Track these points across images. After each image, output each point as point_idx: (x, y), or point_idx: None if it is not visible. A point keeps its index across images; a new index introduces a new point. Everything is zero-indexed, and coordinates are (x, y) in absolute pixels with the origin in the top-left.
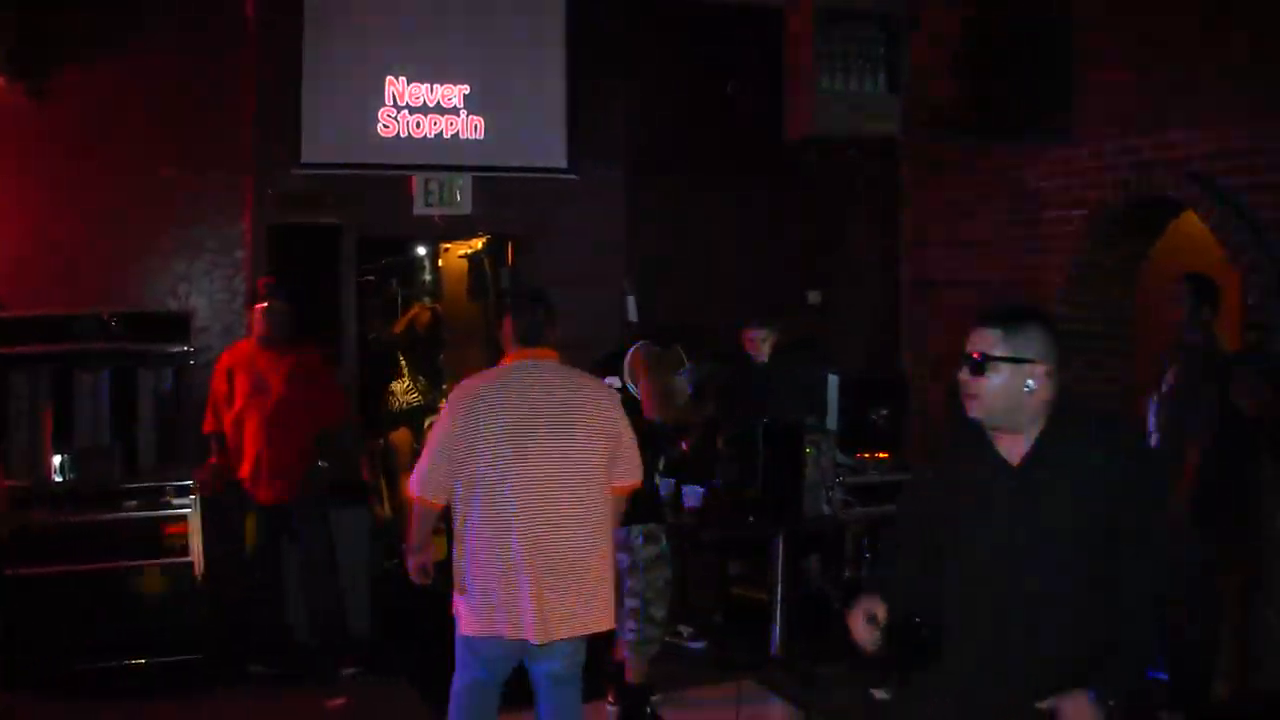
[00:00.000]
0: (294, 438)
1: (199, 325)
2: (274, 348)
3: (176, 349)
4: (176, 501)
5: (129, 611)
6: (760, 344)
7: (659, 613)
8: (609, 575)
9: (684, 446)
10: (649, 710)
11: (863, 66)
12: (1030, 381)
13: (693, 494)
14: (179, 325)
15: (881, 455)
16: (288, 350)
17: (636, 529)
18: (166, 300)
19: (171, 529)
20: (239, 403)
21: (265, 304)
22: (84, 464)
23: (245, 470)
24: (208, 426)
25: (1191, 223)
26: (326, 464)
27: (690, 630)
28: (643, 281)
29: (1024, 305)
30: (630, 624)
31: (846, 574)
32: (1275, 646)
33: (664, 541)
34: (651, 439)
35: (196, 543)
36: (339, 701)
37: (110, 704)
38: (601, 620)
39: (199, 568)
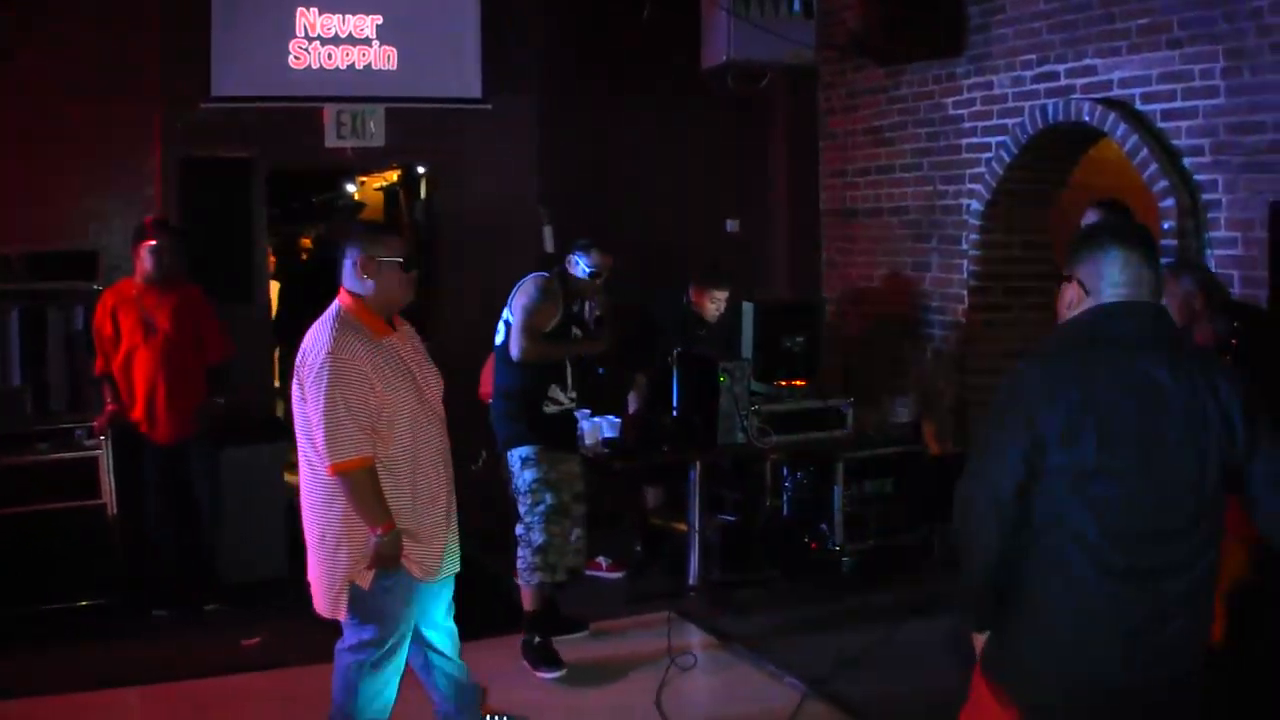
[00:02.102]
0: (184, 376)
1: (110, 263)
2: (158, 286)
3: (85, 287)
4: (88, 443)
5: (40, 555)
6: (719, 304)
7: (538, 538)
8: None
9: (599, 373)
10: (535, 640)
11: None
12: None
13: (609, 424)
14: (87, 263)
15: (798, 383)
16: (172, 288)
17: (513, 454)
18: (77, 239)
19: (82, 471)
20: (125, 343)
21: (149, 242)
22: None
23: (138, 411)
24: (99, 369)
25: (1109, 148)
26: (223, 400)
27: (609, 561)
28: (560, 210)
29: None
30: (518, 551)
31: (767, 502)
32: None
33: (543, 467)
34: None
35: (108, 485)
36: (254, 641)
37: (22, 649)
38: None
39: (111, 509)
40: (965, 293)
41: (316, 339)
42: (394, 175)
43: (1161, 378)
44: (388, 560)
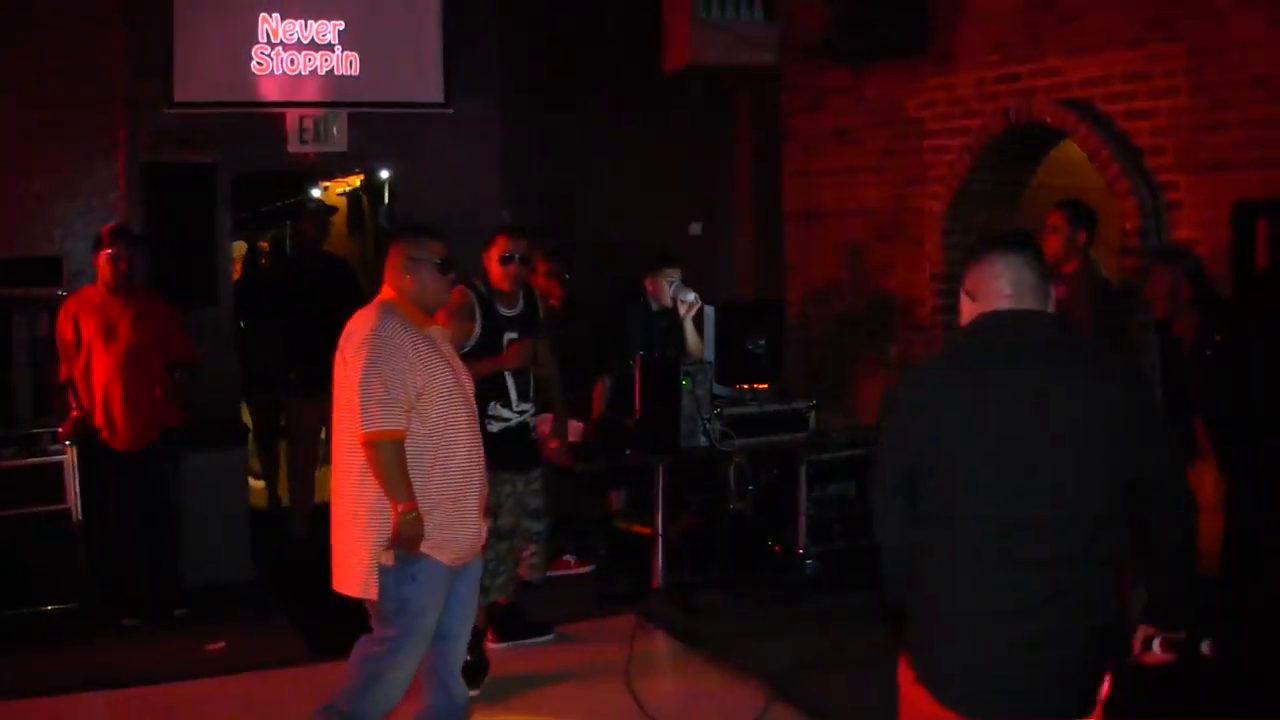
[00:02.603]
0: (144, 383)
1: (73, 269)
2: (119, 295)
3: (49, 293)
4: (52, 448)
5: (4, 561)
6: (674, 283)
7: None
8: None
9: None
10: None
11: None
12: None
13: (572, 429)
14: (51, 269)
15: (760, 386)
16: (132, 297)
17: None
18: (43, 244)
19: (47, 476)
20: (85, 350)
21: (107, 251)
22: None
23: (99, 418)
24: (62, 375)
25: (1071, 149)
26: (187, 405)
27: (575, 559)
28: (521, 215)
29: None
30: None
31: (731, 505)
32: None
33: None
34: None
35: (73, 490)
36: (219, 645)
37: None
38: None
39: (76, 515)
40: (928, 294)
41: (364, 319)
42: (357, 180)
43: (1042, 380)
44: (409, 540)
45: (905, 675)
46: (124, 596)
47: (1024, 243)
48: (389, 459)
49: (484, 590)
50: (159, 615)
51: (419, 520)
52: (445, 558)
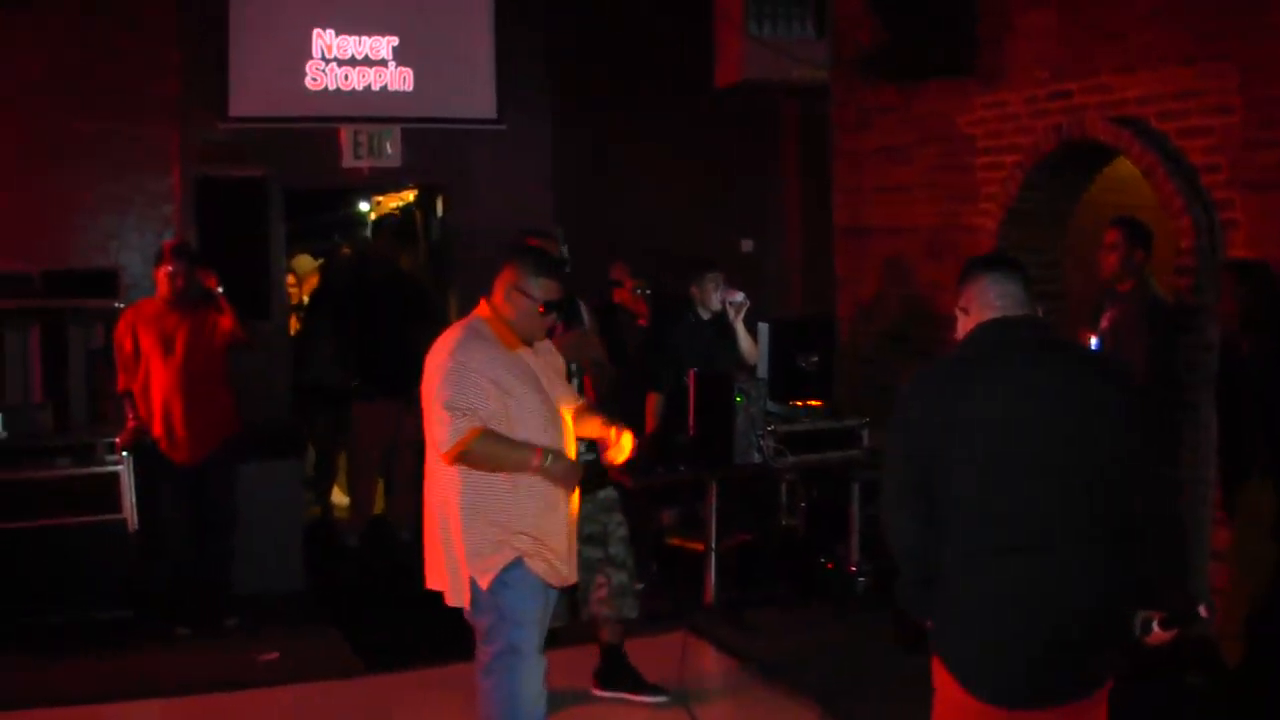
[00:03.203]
0: (202, 396)
1: (129, 281)
2: (178, 308)
3: (105, 305)
4: (108, 458)
5: (60, 569)
6: (718, 285)
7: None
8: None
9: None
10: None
11: (791, 11)
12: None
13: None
14: (107, 281)
15: (814, 403)
16: (191, 310)
17: None
18: (97, 257)
19: (103, 486)
20: (144, 363)
21: (167, 267)
22: (14, 422)
23: (158, 429)
24: (120, 386)
25: (1122, 166)
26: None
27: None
28: (574, 229)
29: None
30: None
31: (783, 522)
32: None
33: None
34: None
35: (128, 499)
36: (272, 656)
37: (43, 662)
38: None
39: (132, 524)
40: None
41: (447, 339)
42: (410, 194)
43: (1037, 378)
44: (565, 478)
45: (938, 668)
46: (177, 605)
47: (1008, 261)
48: (484, 454)
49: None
50: (211, 624)
51: (559, 457)
52: (539, 568)
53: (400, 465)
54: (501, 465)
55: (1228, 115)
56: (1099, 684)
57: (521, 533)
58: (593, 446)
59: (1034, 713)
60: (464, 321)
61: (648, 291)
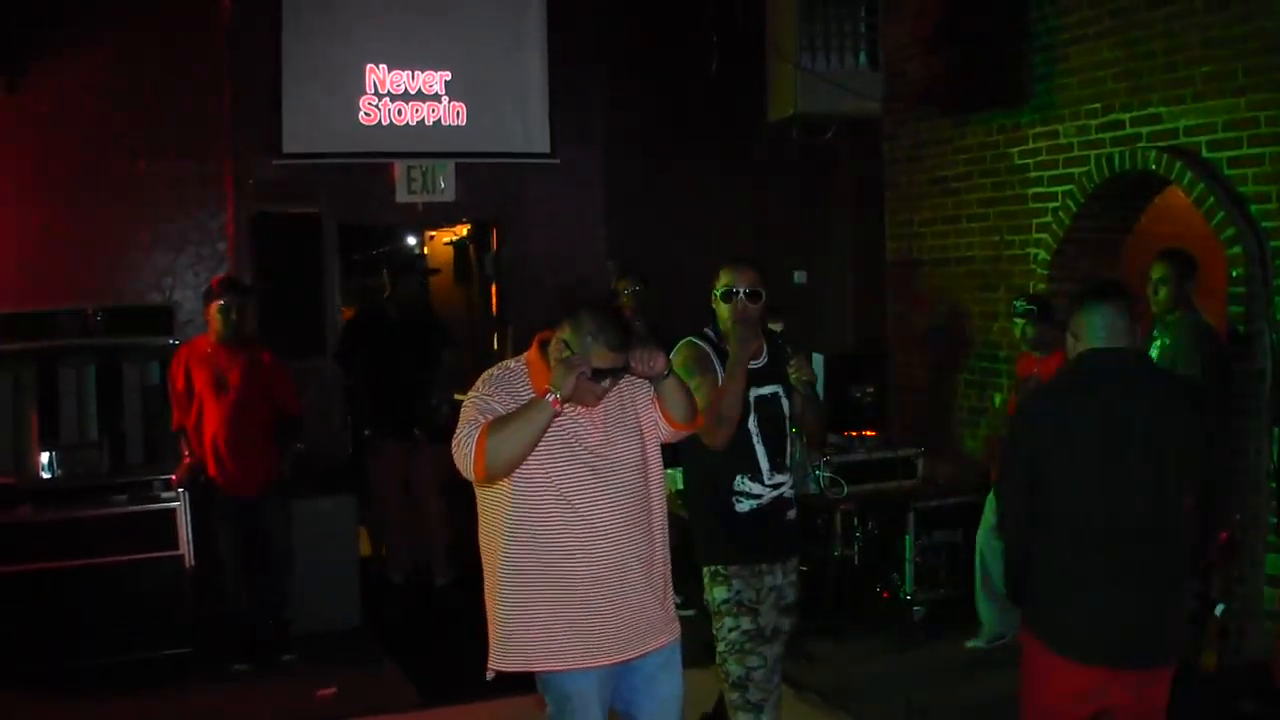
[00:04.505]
0: (253, 433)
1: (183, 318)
2: (230, 345)
3: (160, 342)
4: (164, 495)
5: (118, 607)
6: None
7: (734, 671)
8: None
9: None
10: None
11: (844, 45)
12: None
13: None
14: (162, 318)
15: (868, 433)
16: (243, 347)
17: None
18: (151, 294)
19: (160, 523)
20: (198, 400)
21: (218, 302)
22: (70, 459)
23: (211, 467)
24: (175, 423)
25: (1173, 196)
26: (301, 448)
27: (680, 598)
28: (627, 263)
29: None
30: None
31: (836, 552)
32: (1251, 616)
33: (734, 584)
34: None
35: (185, 536)
36: (330, 691)
37: (103, 702)
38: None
39: (189, 561)
40: None
41: (484, 376)
42: (464, 229)
43: (1130, 407)
44: (573, 368)
45: (1031, 644)
46: (234, 641)
47: (1117, 292)
48: (498, 442)
49: (755, 708)
50: (269, 660)
51: (558, 376)
52: (567, 664)
53: (423, 507)
54: (527, 435)
55: (1279, 145)
56: (1175, 654)
57: (536, 614)
58: (786, 502)
59: (1121, 672)
60: (505, 361)
61: (636, 289)
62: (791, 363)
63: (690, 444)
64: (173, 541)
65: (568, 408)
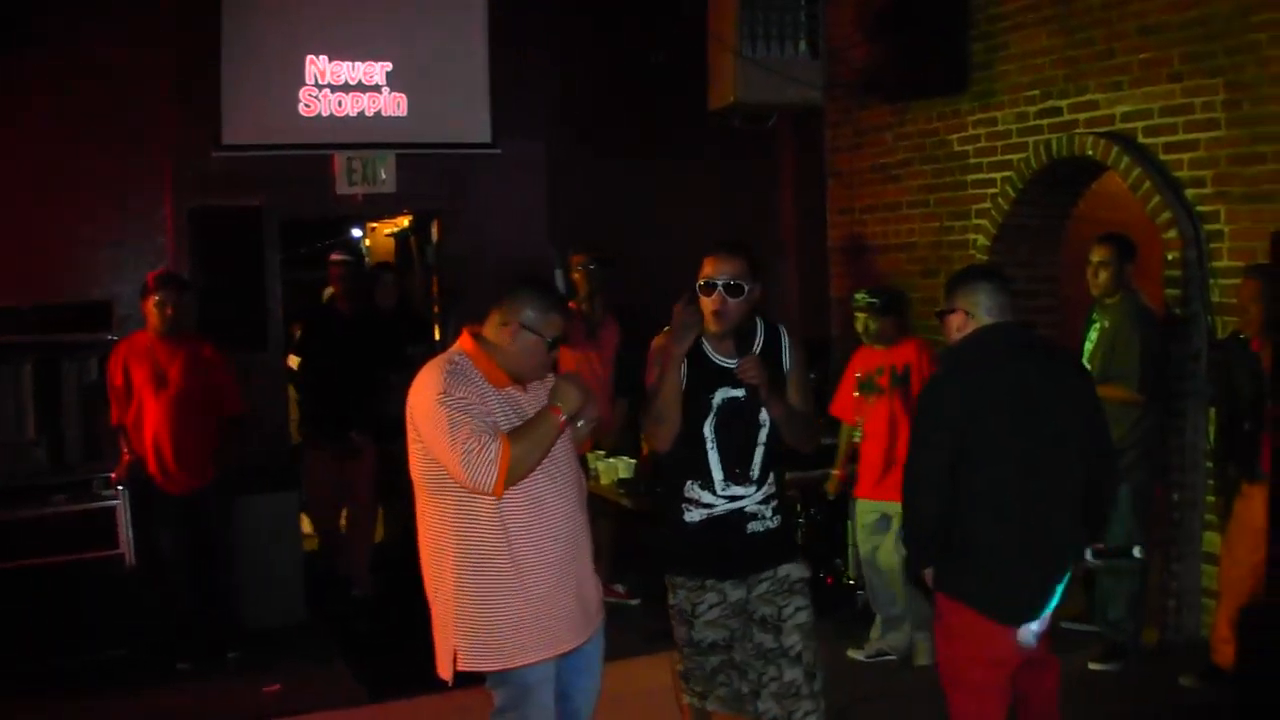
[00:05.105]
0: (194, 428)
1: (122, 313)
2: (168, 341)
3: (99, 338)
4: (104, 494)
5: (58, 608)
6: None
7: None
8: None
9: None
10: None
11: (784, 33)
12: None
13: (624, 465)
14: (100, 314)
15: None
16: (182, 342)
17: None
18: (91, 290)
19: (100, 522)
20: (137, 396)
21: (154, 298)
22: (7, 459)
23: (151, 464)
24: (114, 420)
25: (1111, 182)
26: (239, 446)
27: (625, 588)
28: (570, 253)
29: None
30: None
31: None
32: (1190, 595)
33: (678, 594)
34: None
35: (125, 535)
36: (275, 687)
37: (45, 704)
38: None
39: (129, 559)
40: None
41: (424, 385)
42: (405, 220)
43: (1033, 379)
44: (570, 399)
45: (956, 611)
46: (178, 640)
47: (1000, 273)
48: (521, 457)
49: (699, 696)
50: (213, 658)
51: (563, 391)
52: (529, 659)
53: (353, 514)
54: (542, 451)
55: (1213, 130)
56: (1060, 602)
57: (508, 609)
58: (747, 515)
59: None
60: (443, 357)
61: (591, 267)
62: (741, 363)
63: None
64: (113, 541)
65: (514, 392)
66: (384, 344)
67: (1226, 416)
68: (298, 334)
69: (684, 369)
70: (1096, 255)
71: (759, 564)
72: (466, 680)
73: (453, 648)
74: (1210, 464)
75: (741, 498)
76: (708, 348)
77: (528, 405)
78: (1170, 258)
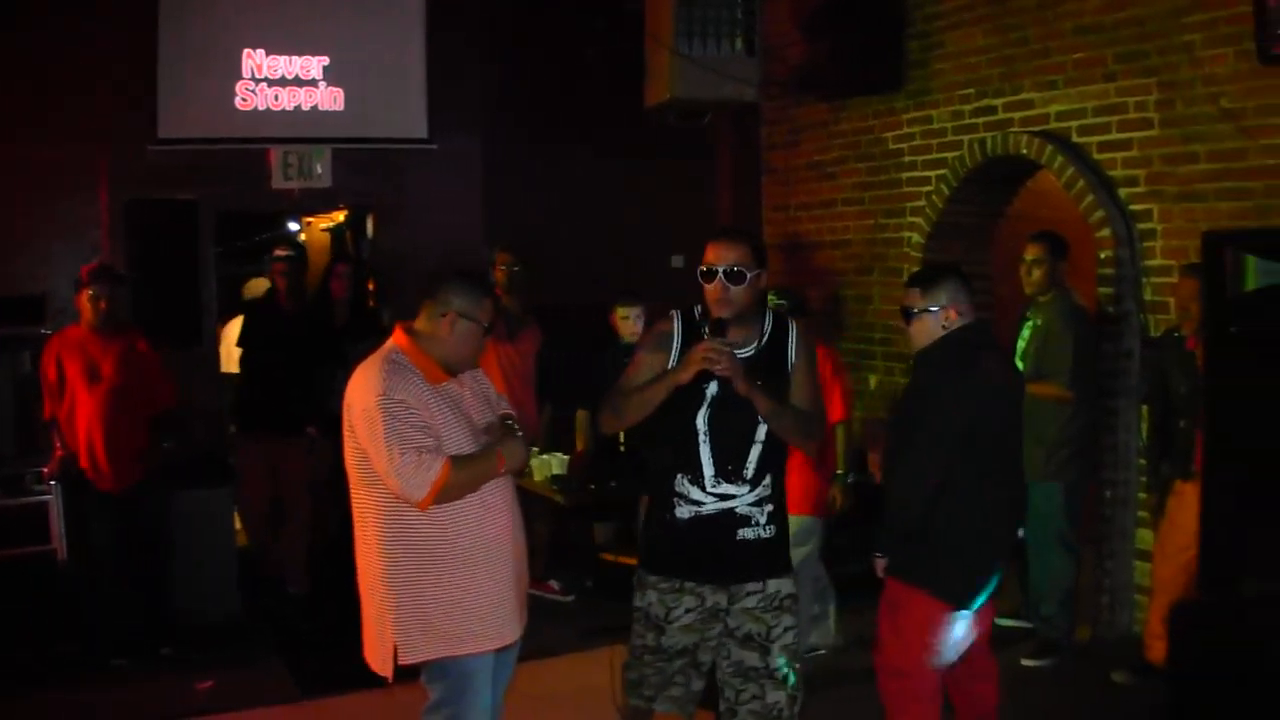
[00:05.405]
0: (127, 423)
1: (57, 306)
2: (102, 333)
3: (32, 332)
4: (36, 488)
5: None
6: (632, 322)
7: (630, 674)
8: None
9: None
10: None
11: (721, 30)
12: (944, 323)
13: (558, 461)
14: (34, 307)
15: None
16: (115, 335)
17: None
18: (25, 282)
19: (31, 517)
20: (70, 390)
21: (87, 291)
22: None
23: (83, 459)
24: (46, 414)
25: (1045, 180)
26: (170, 444)
27: (560, 585)
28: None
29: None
30: None
31: None
32: (1121, 595)
33: (648, 595)
34: None
35: (58, 530)
36: (208, 684)
37: None
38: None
39: (61, 554)
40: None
41: (364, 383)
42: (340, 215)
43: (998, 371)
44: (519, 460)
45: (925, 603)
46: (111, 636)
47: (962, 272)
48: (459, 483)
49: (646, 699)
50: (147, 654)
51: (515, 448)
52: (474, 647)
53: (287, 511)
54: (475, 486)
55: (1147, 130)
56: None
57: (452, 603)
58: (739, 517)
59: (985, 610)
60: (380, 355)
61: (515, 269)
62: (698, 348)
63: (642, 437)
64: (45, 536)
65: (451, 387)
66: (325, 340)
67: (1161, 415)
68: (240, 327)
69: (678, 352)
70: (1030, 253)
71: (746, 574)
72: (402, 676)
73: (391, 643)
74: (1143, 461)
75: (733, 497)
76: (708, 336)
77: (463, 399)
78: (1103, 256)
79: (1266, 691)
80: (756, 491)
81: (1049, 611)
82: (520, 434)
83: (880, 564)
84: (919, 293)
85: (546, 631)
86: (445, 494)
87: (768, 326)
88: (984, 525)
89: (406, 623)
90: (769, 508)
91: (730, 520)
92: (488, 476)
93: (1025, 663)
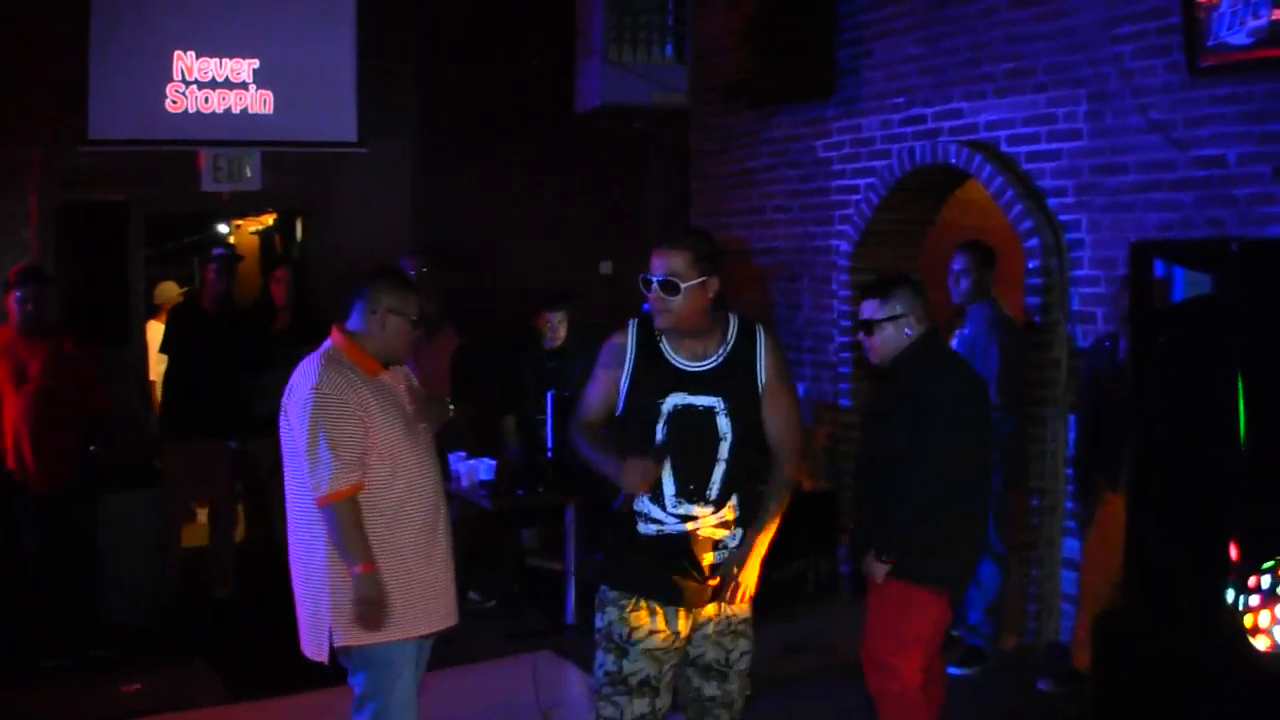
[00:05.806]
0: (55, 425)
1: None
2: (30, 337)
3: None
4: None
5: None
6: (556, 326)
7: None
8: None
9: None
10: None
11: (651, 37)
12: (907, 330)
13: (485, 466)
14: None
15: None
16: (44, 338)
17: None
18: None
19: None
20: None
21: (15, 293)
22: None
23: (10, 461)
24: None
25: (975, 189)
26: (97, 449)
27: (478, 596)
28: (436, 254)
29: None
30: None
31: None
32: (1048, 604)
33: (608, 612)
34: None
35: None
36: (134, 687)
37: None
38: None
39: None
40: (835, 331)
41: (304, 375)
42: (270, 218)
43: (973, 369)
44: (370, 605)
45: (912, 593)
46: (41, 638)
47: (912, 278)
48: (343, 519)
49: None
50: (76, 657)
51: (377, 582)
52: (409, 633)
53: (212, 514)
54: (340, 543)
55: (1075, 140)
56: None
57: (391, 588)
58: (698, 541)
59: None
60: (318, 353)
61: (424, 269)
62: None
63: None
64: None
65: (384, 380)
66: (252, 343)
67: (1092, 424)
68: (161, 331)
69: (632, 365)
70: (957, 263)
71: (709, 598)
72: (329, 680)
73: (326, 626)
74: (1071, 470)
75: (695, 518)
76: (665, 346)
77: (396, 390)
78: (1031, 266)
79: (1188, 699)
80: (720, 514)
81: (975, 619)
82: (452, 407)
83: (881, 569)
84: (877, 304)
85: (470, 637)
86: (338, 510)
87: (732, 335)
88: (970, 508)
89: (341, 605)
90: (736, 530)
91: (688, 541)
92: (349, 548)
93: (951, 671)
